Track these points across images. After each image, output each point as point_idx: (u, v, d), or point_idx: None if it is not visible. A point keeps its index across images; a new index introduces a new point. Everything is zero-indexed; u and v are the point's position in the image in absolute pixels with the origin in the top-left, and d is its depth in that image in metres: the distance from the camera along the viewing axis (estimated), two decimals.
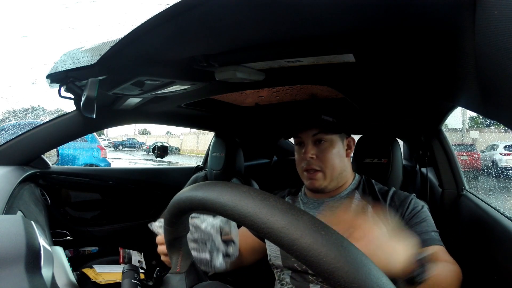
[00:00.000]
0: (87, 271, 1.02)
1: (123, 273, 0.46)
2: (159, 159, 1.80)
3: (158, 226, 0.69)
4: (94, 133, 5.13)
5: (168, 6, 0.45)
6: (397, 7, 0.41)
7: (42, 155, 1.20)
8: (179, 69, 0.75)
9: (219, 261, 0.68)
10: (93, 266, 1.06)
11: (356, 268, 0.25)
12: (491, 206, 0.92)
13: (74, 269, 0.59)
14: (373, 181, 0.88)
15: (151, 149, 2.41)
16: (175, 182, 1.62)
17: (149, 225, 0.70)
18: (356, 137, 0.96)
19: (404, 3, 0.41)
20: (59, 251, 0.54)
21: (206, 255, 0.67)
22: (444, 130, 1.23)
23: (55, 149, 1.32)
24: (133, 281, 0.44)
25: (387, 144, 1.09)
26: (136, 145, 23.45)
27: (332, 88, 0.92)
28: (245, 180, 1.40)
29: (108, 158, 6.53)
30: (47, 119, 1.10)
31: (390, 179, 1.06)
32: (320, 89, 1.06)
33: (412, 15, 0.43)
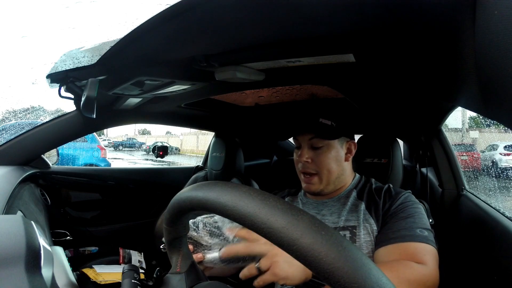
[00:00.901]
0: (87, 271, 1.02)
1: (123, 273, 0.46)
2: (159, 159, 1.80)
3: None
4: (94, 133, 5.13)
5: (168, 6, 0.45)
6: (397, 7, 0.41)
7: (42, 155, 1.20)
8: (179, 69, 0.75)
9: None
10: (93, 266, 1.06)
11: (356, 268, 0.25)
12: (491, 206, 0.92)
13: (74, 269, 0.59)
14: (372, 180, 0.88)
15: (151, 149, 2.41)
16: (175, 182, 1.63)
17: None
18: (356, 137, 0.96)
19: (404, 3, 0.41)
20: (59, 251, 0.54)
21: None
22: (444, 130, 1.23)
23: (55, 149, 1.32)
24: (133, 281, 0.44)
25: (387, 144, 1.09)
26: (136, 145, 23.45)
27: (332, 88, 0.92)
28: (245, 180, 1.40)
29: (108, 158, 6.53)
30: (47, 119, 1.10)
31: (390, 179, 1.06)
32: (320, 89, 1.06)
33: (412, 15, 0.43)
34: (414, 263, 0.61)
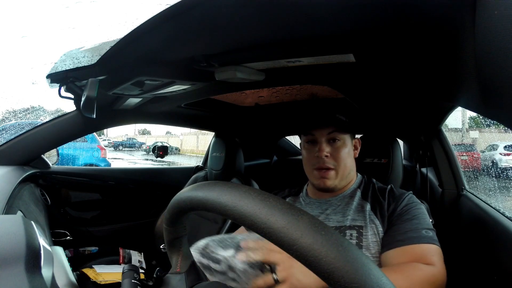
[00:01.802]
0: (87, 271, 1.02)
1: (123, 273, 0.46)
2: (159, 159, 1.80)
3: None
4: (94, 133, 5.13)
5: (168, 6, 0.45)
6: (397, 7, 0.41)
7: (42, 155, 1.20)
8: (179, 69, 0.75)
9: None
10: (93, 266, 1.06)
11: (356, 268, 0.25)
12: (491, 206, 0.92)
13: (74, 269, 0.59)
14: (373, 180, 0.88)
15: (151, 149, 2.41)
16: (175, 182, 1.63)
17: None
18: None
19: (404, 3, 0.41)
20: (59, 251, 0.54)
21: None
22: (444, 130, 1.22)
23: (55, 149, 1.32)
24: (133, 281, 0.44)
25: (387, 144, 1.09)
26: (136, 145, 23.45)
27: (332, 88, 0.92)
28: (245, 180, 1.40)
29: (108, 158, 6.53)
30: (47, 119, 1.10)
31: (390, 179, 1.06)
32: (320, 89, 1.06)
33: (412, 15, 0.43)
34: (423, 265, 0.62)
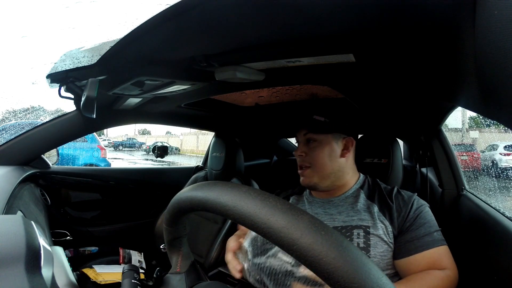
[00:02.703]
0: (87, 271, 1.02)
1: (123, 273, 0.46)
2: (159, 159, 1.80)
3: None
4: (94, 133, 5.13)
5: (168, 6, 0.45)
6: (397, 7, 0.41)
7: (42, 155, 1.20)
8: (179, 69, 0.75)
9: None
10: (93, 266, 1.06)
11: (356, 268, 0.25)
12: (491, 206, 0.92)
13: (74, 269, 0.59)
14: (378, 180, 0.88)
15: (151, 149, 2.41)
16: (175, 182, 1.63)
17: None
18: None
19: (404, 4, 0.41)
20: (59, 251, 0.54)
21: None
22: (444, 130, 1.22)
23: (55, 149, 1.32)
24: (133, 281, 0.44)
25: (387, 144, 1.09)
26: (136, 145, 23.45)
27: (332, 88, 0.92)
28: (245, 180, 1.40)
29: (108, 158, 6.52)
30: (47, 119, 1.10)
31: (390, 179, 1.06)
32: (320, 89, 1.06)
33: (412, 15, 0.43)
34: (438, 271, 0.68)
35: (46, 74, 0.79)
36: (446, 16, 0.40)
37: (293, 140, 2.09)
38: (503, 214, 0.84)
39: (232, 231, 1.21)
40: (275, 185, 1.66)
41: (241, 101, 1.31)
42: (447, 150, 1.18)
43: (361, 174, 0.90)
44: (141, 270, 0.60)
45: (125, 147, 22.67)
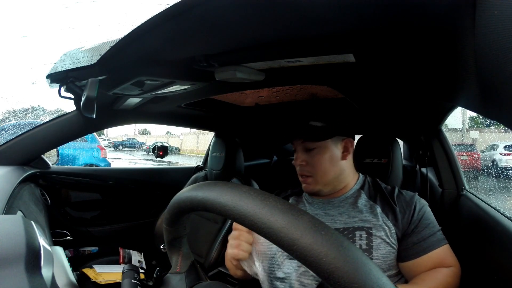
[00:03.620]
0: (87, 271, 1.02)
1: (123, 273, 0.46)
2: (159, 159, 1.80)
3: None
4: (94, 133, 5.12)
5: (168, 6, 0.45)
6: (397, 7, 0.41)
7: (42, 155, 1.20)
8: (179, 69, 0.75)
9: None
10: (93, 266, 1.06)
11: (356, 268, 0.25)
12: (491, 206, 0.92)
13: (74, 269, 0.59)
14: (378, 180, 0.87)
15: (151, 149, 2.41)
16: (175, 182, 1.63)
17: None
18: (356, 137, 0.95)
19: (404, 3, 0.41)
20: (59, 251, 0.54)
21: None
22: (444, 130, 1.22)
23: (55, 149, 1.32)
24: (133, 281, 0.44)
25: (387, 144, 1.09)
26: (136, 145, 23.44)
27: (332, 88, 0.92)
28: (245, 180, 1.40)
29: (108, 158, 6.52)
30: (47, 119, 1.10)
31: (390, 179, 1.06)
32: (320, 89, 1.06)
33: (412, 15, 0.43)
34: (445, 269, 0.71)
35: (46, 74, 0.79)
36: (446, 16, 0.40)
37: None
38: (503, 214, 0.84)
39: (232, 231, 1.21)
40: (275, 185, 1.65)
41: (241, 101, 1.31)
42: (447, 150, 1.18)
43: (360, 174, 0.89)
44: (141, 270, 0.60)
45: (125, 147, 22.67)
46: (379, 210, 0.78)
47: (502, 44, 0.31)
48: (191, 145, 23.24)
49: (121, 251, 1.32)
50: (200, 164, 1.89)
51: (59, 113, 1.14)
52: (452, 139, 1.26)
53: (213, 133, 1.67)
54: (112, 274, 1.02)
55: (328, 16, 0.46)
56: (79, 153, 5.61)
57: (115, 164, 10.20)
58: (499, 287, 0.74)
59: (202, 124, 1.63)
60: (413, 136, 1.35)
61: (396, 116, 1.20)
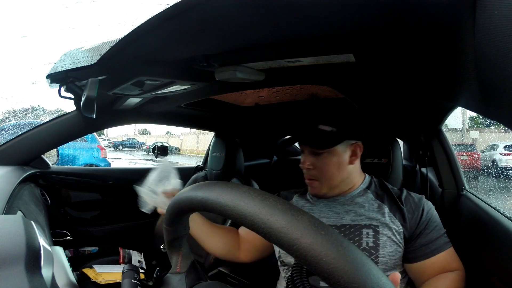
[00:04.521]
0: (87, 271, 1.02)
1: (123, 273, 0.46)
2: (159, 159, 1.80)
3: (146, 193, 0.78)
4: (94, 133, 5.13)
5: (168, 6, 0.45)
6: (397, 7, 0.41)
7: (42, 155, 1.20)
8: (179, 69, 0.75)
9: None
10: (93, 266, 1.06)
11: (356, 268, 0.25)
12: (491, 206, 0.92)
13: (74, 269, 0.59)
14: (384, 182, 0.87)
15: (151, 149, 2.41)
16: None
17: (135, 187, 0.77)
18: None
19: (404, 3, 0.41)
20: (59, 251, 0.54)
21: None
22: (444, 130, 1.22)
23: (55, 149, 1.32)
24: (133, 281, 0.44)
25: (387, 144, 1.09)
26: (136, 145, 23.45)
27: (332, 88, 0.92)
28: (245, 180, 1.40)
29: (108, 158, 6.52)
30: (47, 119, 1.10)
31: (390, 179, 1.06)
32: (320, 89, 1.06)
33: (412, 15, 0.43)
34: (451, 273, 0.72)
35: (46, 74, 0.79)
36: (446, 16, 0.40)
37: None
38: (503, 214, 0.84)
39: None
40: (275, 185, 1.65)
41: (241, 101, 1.31)
42: (447, 150, 1.18)
43: (366, 174, 0.88)
44: (141, 270, 0.60)
45: (125, 147, 22.67)
46: (386, 209, 0.78)
47: (502, 44, 0.31)
48: (191, 145, 23.24)
49: (121, 251, 1.32)
50: (200, 164, 1.89)
51: (59, 113, 1.14)
52: (452, 139, 1.26)
53: (213, 133, 1.67)
54: (112, 274, 1.02)
55: (328, 16, 0.46)
56: (79, 153, 5.61)
57: (115, 164, 10.20)
58: (499, 287, 0.74)
59: (202, 124, 1.63)
60: (413, 136, 1.35)
61: (396, 116, 1.20)
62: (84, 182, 1.41)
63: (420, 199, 0.80)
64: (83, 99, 0.73)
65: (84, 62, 0.71)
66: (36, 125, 1.09)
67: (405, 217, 0.76)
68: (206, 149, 1.81)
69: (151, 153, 1.85)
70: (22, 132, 1.08)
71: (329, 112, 0.82)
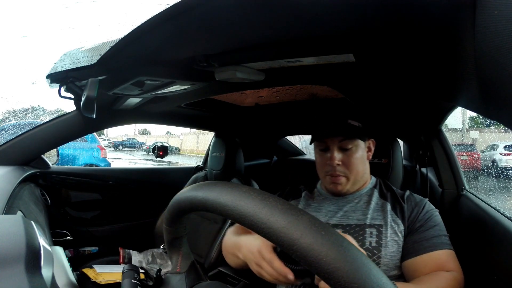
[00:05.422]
0: (87, 271, 1.02)
1: (123, 273, 0.46)
2: (159, 159, 1.80)
3: None
4: (94, 133, 5.13)
5: (168, 6, 0.45)
6: (397, 7, 0.41)
7: (42, 155, 1.20)
8: (179, 69, 0.75)
9: None
10: (93, 266, 1.06)
11: (356, 268, 0.25)
12: (491, 206, 0.92)
13: (74, 269, 0.59)
14: (389, 183, 0.90)
15: (151, 149, 2.41)
16: (175, 182, 1.62)
17: None
18: None
19: (404, 3, 0.41)
20: (59, 251, 0.54)
21: None
22: (444, 130, 1.22)
23: (55, 149, 1.32)
24: (133, 281, 0.44)
25: (387, 144, 1.09)
26: (136, 145, 23.43)
27: (332, 88, 0.92)
28: (245, 180, 1.40)
29: (108, 158, 6.52)
30: (47, 119, 1.10)
31: (391, 179, 1.06)
32: (320, 89, 1.06)
33: (412, 15, 0.43)
34: (446, 273, 0.69)
35: (46, 74, 0.79)
36: (446, 16, 0.40)
37: (292, 139, 2.08)
38: (503, 214, 0.84)
39: None
40: (275, 185, 1.65)
41: (241, 101, 1.31)
42: (447, 150, 1.18)
43: (371, 175, 0.91)
44: (141, 270, 0.60)
45: (125, 147, 22.66)
46: (389, 207, 0.80)
47: (502, 44, 0.31)
48: (191, 145, 23.23)
49: (121, 251, 1.32)
50: (200, 164, 1.89)
51: (59, 113, 1.14)
52: (452, 139, 1.26)
53: (213, 133, 1.67)
54: (112, 274, 1.02)
55: (328, 16, 0.46)
56: (79, 153, 5.61)
57: (115, 164, 10.19)
58: (499, 287, 0.74)
59: (202, 124, 1.63)
60: (413, 136, 1.35)
61: (396, 116, 1.20)
62: (84, 182, 1.41)
63: (422, 200, 0.82)
64: (83, 99, 0.73)
65: (84, 62, 0.71)
66: (36, 125, 1.09)
67: (405, 213, 0.78)
68: (206, 149, 1.81)
69: (151, 153, 1.85)
70: (22, 132, 1.08)
71: (355, 110, 0.87)
